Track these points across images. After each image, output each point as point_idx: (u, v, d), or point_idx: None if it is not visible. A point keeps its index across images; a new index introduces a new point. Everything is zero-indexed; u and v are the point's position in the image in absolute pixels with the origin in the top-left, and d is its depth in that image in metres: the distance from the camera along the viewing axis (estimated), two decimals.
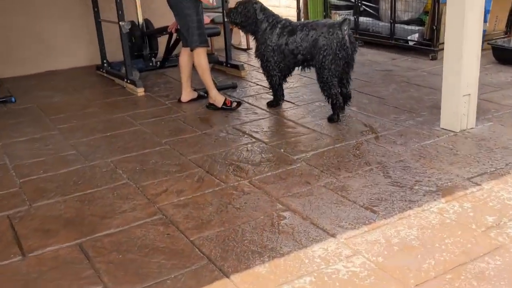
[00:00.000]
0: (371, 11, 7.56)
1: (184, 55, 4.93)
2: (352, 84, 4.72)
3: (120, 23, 5.51)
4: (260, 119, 4.58)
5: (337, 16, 7.82)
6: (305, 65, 4.59)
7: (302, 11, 8.58)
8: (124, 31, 5.52)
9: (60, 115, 4.94)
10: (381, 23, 7.13)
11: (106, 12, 6.60)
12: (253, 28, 4.67)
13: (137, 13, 6.62)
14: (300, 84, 5.64)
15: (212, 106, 4.86)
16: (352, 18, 7.62)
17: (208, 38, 5.04)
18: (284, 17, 4.73)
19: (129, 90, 5.69)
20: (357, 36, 7.40)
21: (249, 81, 5.87)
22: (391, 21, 6.81)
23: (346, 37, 4.25)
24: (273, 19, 4.62)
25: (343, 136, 4.06)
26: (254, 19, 4.61)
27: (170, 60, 6.35)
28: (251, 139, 4.09)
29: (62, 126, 4.62)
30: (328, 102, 4.45)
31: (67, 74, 6.68)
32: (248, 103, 5.07)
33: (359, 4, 7.38)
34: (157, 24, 6.97)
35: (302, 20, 8.43)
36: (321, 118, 4.49)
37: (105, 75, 6.41)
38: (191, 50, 4.73)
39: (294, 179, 3.34)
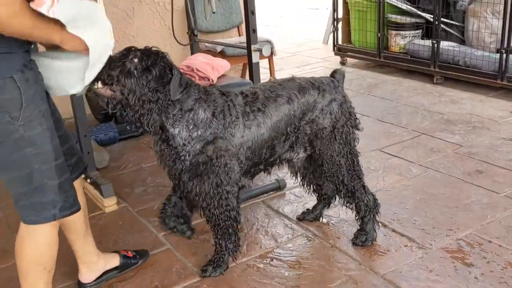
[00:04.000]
0: (453, 32, 5.15)
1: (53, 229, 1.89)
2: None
3: None
4: None
5: (399, 39, 5.40)
6: (281, 160, 2.39)
7: (340, 31, 6.13)
8: (78, 94, 2.98)
9: None
10: (478, 53, 4.71)
11: None
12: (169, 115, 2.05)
13: None
14: None
15: None
16: (421, 42, 5.20)
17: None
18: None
19: (90, 197, 3.17)
20: (437, 69, 4.98)
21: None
22: (503, 50, 4.39)
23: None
24: (210, 93, 2.17)
25: None
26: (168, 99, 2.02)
27: None
28: None
29: None
30: (360, 210, 2.47)
31: None
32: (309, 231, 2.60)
33: (438, 22, 4.95)
34: None
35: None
36: None
37: None
38: (27, 222, 1.82)
39: None
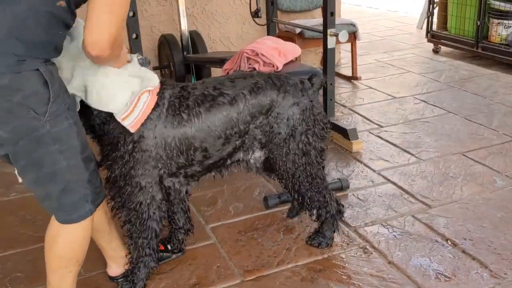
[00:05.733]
0: None
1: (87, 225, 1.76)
2: None
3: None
4: None
5: (500, 28, 4.85)
6: (232, 162, 2.13)
7: (435, 15, 5.65)
8: None
9: None
10: None
11: None
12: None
13: (179, 21, 4.05)
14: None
15: None
16: None
17: None
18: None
19: None
20: None
21: (367, 166, 3.13)
22: None
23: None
24: None
25: None
26: None
27: None
28: None
29: None
30: (321, 215, 2.28)
31: None
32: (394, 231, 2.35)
33: None
34: (215, 42, 4.47)
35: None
36: None
37: None
38: (61, 221, 1.69)
39: None
